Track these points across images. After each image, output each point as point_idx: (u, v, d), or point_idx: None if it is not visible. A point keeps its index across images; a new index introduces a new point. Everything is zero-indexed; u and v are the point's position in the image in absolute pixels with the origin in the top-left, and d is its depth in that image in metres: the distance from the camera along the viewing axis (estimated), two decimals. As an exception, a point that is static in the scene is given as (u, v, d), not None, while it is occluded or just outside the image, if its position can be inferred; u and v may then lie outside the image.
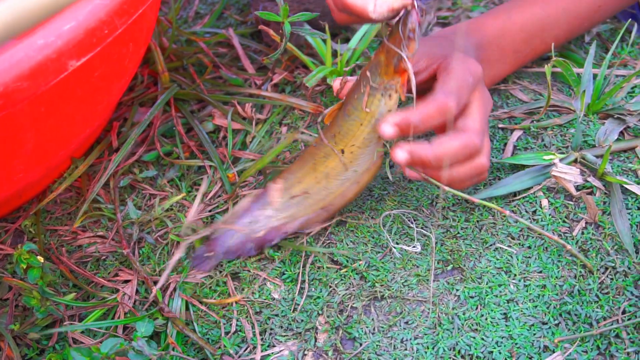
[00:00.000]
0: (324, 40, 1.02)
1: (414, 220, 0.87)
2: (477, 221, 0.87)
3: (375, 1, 0.70)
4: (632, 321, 0.76)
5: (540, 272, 0.81)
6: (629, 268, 0.80)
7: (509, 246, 0.84)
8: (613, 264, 0.81)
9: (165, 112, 1.03)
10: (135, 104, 1.04)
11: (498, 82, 0.92)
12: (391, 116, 0.75)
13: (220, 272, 0.85)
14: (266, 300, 0.82)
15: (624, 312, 0.77)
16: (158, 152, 0.97)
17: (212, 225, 0.87)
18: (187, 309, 0.83)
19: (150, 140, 0.99)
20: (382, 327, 0.79)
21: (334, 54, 1.05)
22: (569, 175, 0.84)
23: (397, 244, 0.85)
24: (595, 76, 0.95)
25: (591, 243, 0.83)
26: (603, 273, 0.81)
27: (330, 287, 0.83)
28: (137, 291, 0.85)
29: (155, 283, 0.84)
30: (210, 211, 0.92)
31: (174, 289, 0.84)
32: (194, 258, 0.86)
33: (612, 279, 0.80)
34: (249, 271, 0.85)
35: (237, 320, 0.81)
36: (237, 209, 0.87)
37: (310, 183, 0.85)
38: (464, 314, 0.79)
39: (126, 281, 0.87)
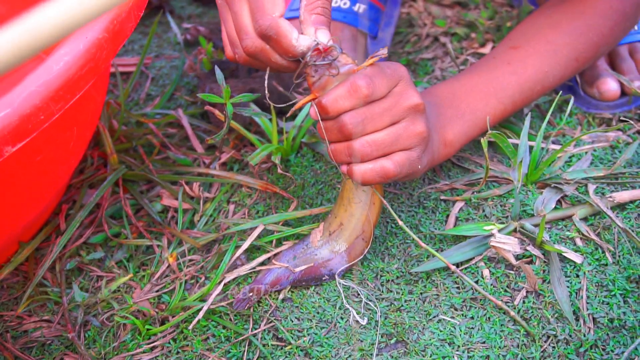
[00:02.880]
0: (270, 119, 1.04)
1: (358, 294, 0.87)
2: (421, 293, 0.87)
3: (298, 34, 0.73)
4: (575, 389, 0.76)
5: (484, 342, 0.81)
6: (570, 336, 0.80)
7: (452, 317, 0.84)
8: (554, 332, 0.81)
9: (114, 193, 1.03)
10: (84, 186, 1.04)
11: (467, 140, 0.92)
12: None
13: (167, 356, 0.84)
14: (211, 381, 0.81)
15: (566, 380, 0.77)
16: (106, 233, 0.97)
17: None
18: (131, 392, 0.82)
19: (98, 221, 0.99)
20: (326, 404, 0.78)
21: (280, 131, 1.06)
22: (508, 245, 0.85)
23: (342, 318, 0.85)
24: (532, 147, 0.97)
25: (532, 312, 0.83)
26: (545, 341, 0.81)
27: (275, 364, 0.82)
28: (81, 375, 0.84)
29: (99, 366, 0.83)
30: (157, 291, 0.91)
31: (119, 372, 0.83)
32: (238, 300, 0.87)
33: (554, 347, 0.80)
34: (195, 351, 0.84)
35: (182, 402, 0.80)
36: (280, 252, 0.91)
37: (343, 215, 0.87)
38: (408, 387, 0.78)
39: (71, 365, 0.85)
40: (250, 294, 0.87)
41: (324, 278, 0.88)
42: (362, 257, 0.89)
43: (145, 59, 1.32)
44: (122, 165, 1.03)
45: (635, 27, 1.12)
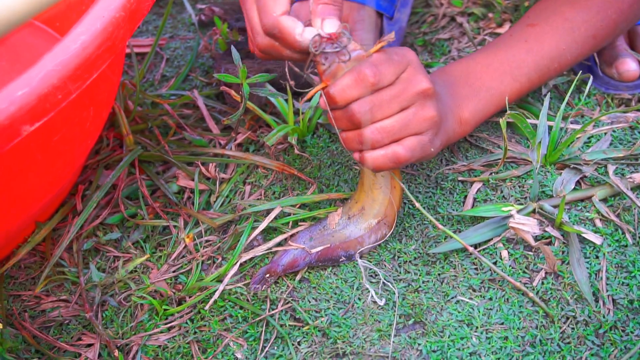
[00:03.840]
0: (286, 100, 1.03)
1: (376, 275, 0.87)
2: (439, 274, 0.86)
3: (303, 28, 0.74)
4: (594, 370, 0.76)
5: (502, 323, 0.81)
6: (589, 317, 0.80)
7: (470, 298, 0.84)
8: (573, 314, 0.81)
9: (130, 174, 1.03)
10: (100, 167, 1.04)
11: (484, 118, 0.92)
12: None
13: (184, 336, 0.84)
14: (229, 361, 0.82)
15: (586, 362, 0.77)
16: (122, 214, 0.97)
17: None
18: (149, 371, 0.82)
19: (114, 202, 0.99)
20: (344, 385, 0.78)
21: (296, 112, 1.05)
22: (527, 226, 0.84)
23: (359, 299, 0.85)
24: (550, 128, 0.96)
25: (551, 293, 0.83)
26: (564, 323, 0.80)
27: (292, 345, 0.82)
28: (99, 355, 0.84)
29: (117, 346, 0.83)
30: (174, 272, 0.91)
31: (137, 352, 0.83)
32: (255, 281, 0.87)
33: (573, 328, 0.80)
34: (213, 331, 0.84)
35: (200, 382, 0.80)
36: (297, 233, 0.90)
37: (365, 200, 0.87)
38: (426, 368, 0.78)
39: (89, 345, 0.85)
40: (267, 275, 0.87)
41: (340, 260, 0.88)
42: (382, 241, 0.89)
43: (160, 40, 1.31)
44: (137, 146, 1.03)
45: None
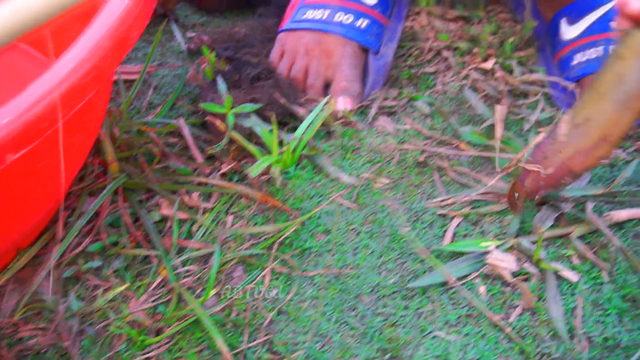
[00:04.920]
0: (271, 130, 1.04)
1: (354, 309, 0.87)
2: (417, 309, 0.87)
3: None
4: (569, 408, 0.76)
5: (478, 359, 0.81)
6: (564, 354, 0.80)
7: (447, 334, 0.84)
8: (549, 350, 0.81)
9: (114, 201, 1.03)
10: (84, 194, 1.04)
11: None
12: None
13: (161, 363, 0.85)
14: (205, 392, 0.82)
15: (560, 400, 0.77)
16: (104, 242, 0.97)
17: None
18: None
19: (96, 230, 0.99)
20: (319, 419, 0.78)
21: (281, 142, 1.06)
22: (505, 262, 0.85)
23: (337, 332, 0.85)
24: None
25: (527, 329, 0.83)
26: (540, 359, 0.81)
27: (269, 378, 0.82)
28: (75, 385, 0.84)
29: (93, 376, 0.83)
30: (153, 301, 0.91)
31: (113, 382, 0.83)
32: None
33: (548, 365, 0.80)
34: (190, 362, 0.84)
35: (175, 414, 0.80)
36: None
37: (591, 108, 0.81)
38: (401, 403, 0.78)
39: (65, 374, 0.85)
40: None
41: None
42: (605, 159, 0.83)
43: (149, 67, 1.32)
44: (122, 174, 1.03)
45: None
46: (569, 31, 1.21)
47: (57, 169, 0.86)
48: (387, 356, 0.82)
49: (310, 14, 1.21)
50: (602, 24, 1.16)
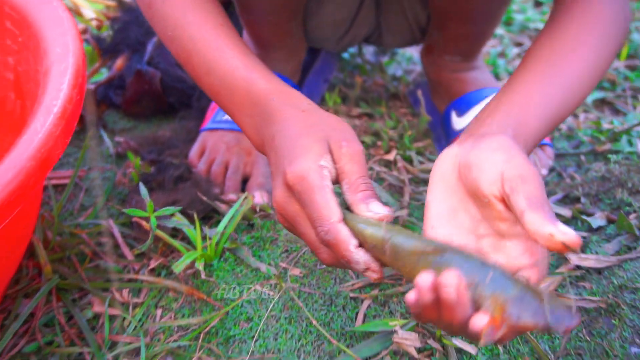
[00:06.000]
0: (195, 227, 1.06)
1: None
2: (333, 387, 0.89)
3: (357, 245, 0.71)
4: None
5: None
6: (468, 422, 0.84)
7: (362, 409, 0.86)
8: (454, 419, 0.84)
9: (48, 302, 1.03)
10: (19, 296, 1.04)
11: None
12: None
13: None
14: None
15: None
16: (39, 342, 0.97)
17: None
18: None
19: (32, 331, 0.99)
20: None
21: (205, 237, 1.08)
22: (409, 340, 0.88)
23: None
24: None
25: (434, 400, 0.86)
26: None
27: None
28: None
29: None
30: (88, 396, 0.91)
31: None
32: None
33: None
34: None
35: None
36: None
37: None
38: None
39: None
40: None
41: None
42: None
43: (80, 172, 1.34)
44: (55, 275, 1.04)
45: None
46: (459, 122, 1.28)
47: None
48: None
49: (230, 116, 1.26)
50: (486, 116, 1.24)
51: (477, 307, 0.61)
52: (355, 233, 0.70)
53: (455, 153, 0.72)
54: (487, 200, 0.66)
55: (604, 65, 0.85)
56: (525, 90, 0.80)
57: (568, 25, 0.85)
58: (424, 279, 0.61)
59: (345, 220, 0.71)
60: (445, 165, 0.72)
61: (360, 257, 0.70)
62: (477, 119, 0.79)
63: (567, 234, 0.58)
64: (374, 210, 0.70)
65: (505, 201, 0.65)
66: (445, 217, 0.71)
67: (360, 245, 0.71)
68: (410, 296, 0.62)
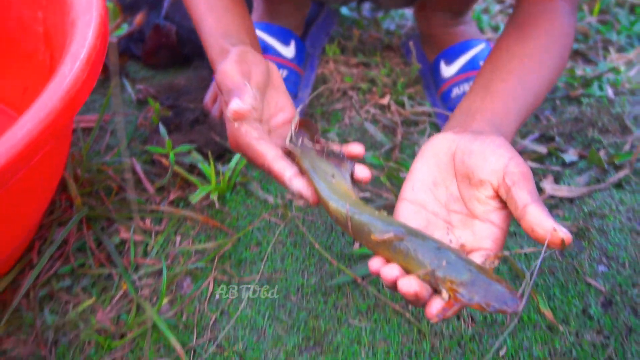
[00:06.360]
0: (210, 164, 1.06)
1: (283, 306, 0.90)
2: (334, 303, 0.89)
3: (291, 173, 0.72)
4: (458, 374, 0.80)
5: (385, 340, 0.84)
6: (453, 332, 0.84)
7: (359, 321, 0.87)
8: (440, 330, 0.85)
9: (79, 230, 1.03)
10: (54, 225, 1.04)
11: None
12: None
13: (124, 363, 0.85)
14: (163, 384, 0.83)
15: (451, 367, 0.81)
16: (72, 265, 0.97)
17: None
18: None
19: (66, 255, 0.99)
20: (258, 398, 0.80)
21: (218, 173, 1.08)
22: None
23: (270, 326, 0.87)
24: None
25: (423, 314, 0.87)
26: (434, 337, 0.84)
27: (215, 368, 0.84)
28: (53, 386, 0.84)
29: (68, 377, 0.83)
30: (117, 311, 0.92)
31: (85, 381, 0.83)
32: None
33: (440, 341, 0.84)
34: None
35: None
36: None
37: None
38: (324, 380, 0.81)
39: (44, 378, 0.85)
40: None
41: None
42: None
43: (105, 116, 1.32)
44: (85, 207, 1.04)
45: None
46: (447, 70, 1.26)
47: (27, 206, 0.87)
48: (312, 343, 0.85)
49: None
50: (471, 64, 1.22)
51: (433, 287, 0.62)
52: (322, 200, 0.70)
53: (452, 138, 0.72)
54: (482, 184, 0.67)
55: (562, 70, 0.89)
56: (504, 98, 0.80)
57: (539, 37, 0.87)
58: (386, 273, 0.63)
59: (314, 183, 0.71)
60: (440, 145, 0.72)
61: (294, 186, 0.71)
62: (464, 113, 0.80)
63: (566, 233, 0.60)
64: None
65: (497, 190, 0.66)
66: (427, 186, 0.71)
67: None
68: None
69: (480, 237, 0.66)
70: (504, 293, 0.59)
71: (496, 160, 0.66)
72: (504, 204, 0.66)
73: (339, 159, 0.74)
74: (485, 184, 0.66)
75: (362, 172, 0.73)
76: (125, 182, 1.12)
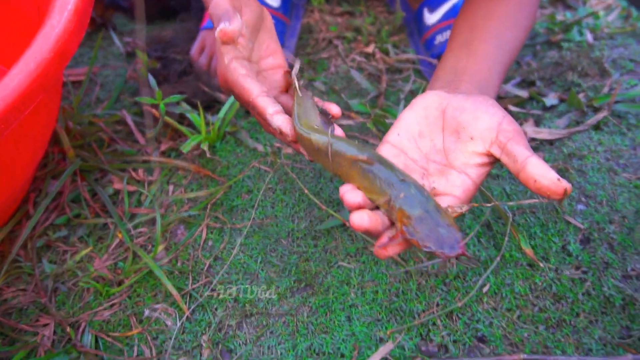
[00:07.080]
0: (199, 114, 1.05)
1: (275, 250, 0.90)
2: (324, 246, 0.90)
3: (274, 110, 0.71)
4: (444, 311, 0.80)
5: (373, 280, 0.85)
6: (439, 271, 0.85)
7: (348, 263, 0.87)
8: (426, 269, 0.85)
9: (74, 181, 1.03)
10: (48, 177, 1.03)
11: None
12: None
13: (124, 311, 0.85)
14: (161, 327, 0.83)
15: (437, 305, 0.82)
16: (68, 215, 0.97)
17: None
18: (96, 342, 0.82)
19: (61, 206, 0.99)
20: (252, 338, 0.80)
21: (208, 123, 1.07)
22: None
23: (262, 270, 0.88)
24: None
25: (409, 254, 0.87)
26: (420, 276, 0.85)
27: (211, 310, 0.84)
28: (54, 332, 0.84)
29: (69, 324, 0.83)
30: (113, 259, 0.92)
31: (85, 327, 0.84)
32: None
33: (426, 280, 0.84)
34: (147, 305, 0.85)
35: (138, 347, 0.81)
36: None
37: None
38: (316, 320, 0.81)
39: (45, 325, 0.85)
40: None
41: None
42: None
43: (94, 69, 1.30)
44: (78, 159, 1.03)
45: None
46: (430, 18, 1.24)
47: (20, 158, 0.85)
48: (303, 285, 0.86)
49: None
50: (454, 11, 1.20)
51: (388, 216, 0.62)
52: (304, 136, 0.70)
53: (444, 96, 0.71)
54: (472, 140, 0.66)
55: (530, 30, 0.88)
56: (487, 61, 0.80)
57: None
58: (348, 197, 0.63)
59: (299, 121, 0.71)
60: (430, 100, 0.72)
61: (275, 122, 0.71)
62: (450, 73, 0.79)
63: (567, 183, 0.59)
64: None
65: (489, 147, 0.65)
66: (412, 134, 0.71)
67: (308, 150, 0.71)
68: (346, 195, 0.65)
69: (453, 185, 0.66)
70: (446, 237, 0.58)
71: (490, 118, 0.66)
72: (487, 162, 0.66)
73: (324, 115, 0.74)
74: (477, 140, 0.66)
75: (334, 108, 0.75)
76: (117, 134, 1.10)
